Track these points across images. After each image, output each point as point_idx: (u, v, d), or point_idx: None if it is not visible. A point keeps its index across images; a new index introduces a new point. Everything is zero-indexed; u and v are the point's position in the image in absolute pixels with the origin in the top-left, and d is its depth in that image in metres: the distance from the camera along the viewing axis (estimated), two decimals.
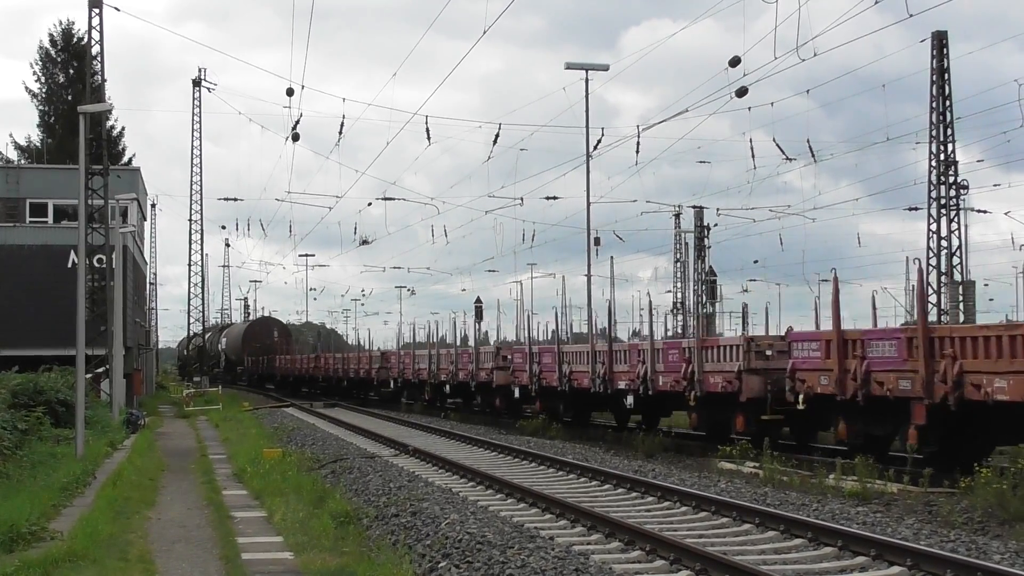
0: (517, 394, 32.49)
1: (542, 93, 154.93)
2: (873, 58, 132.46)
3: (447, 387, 38.55)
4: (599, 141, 39.93)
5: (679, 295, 73.69)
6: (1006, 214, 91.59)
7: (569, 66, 39.70)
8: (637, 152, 36.71)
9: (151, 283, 76.43)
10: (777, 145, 37.97)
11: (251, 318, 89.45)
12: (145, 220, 61.09)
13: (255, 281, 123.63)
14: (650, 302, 29.93)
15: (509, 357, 33.51)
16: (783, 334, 22.29)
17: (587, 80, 39.70)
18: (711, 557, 10.88)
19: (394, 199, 50.39)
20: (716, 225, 62.69)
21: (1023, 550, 11.76)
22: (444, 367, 38.32)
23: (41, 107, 60.58)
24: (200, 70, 67.17)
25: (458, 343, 47.63)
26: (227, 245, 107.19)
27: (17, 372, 27.29)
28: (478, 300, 72.08)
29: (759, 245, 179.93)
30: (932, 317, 42.12)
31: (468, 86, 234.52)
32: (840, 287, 20.67)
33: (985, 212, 57.85)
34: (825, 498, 15.97)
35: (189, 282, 71.61)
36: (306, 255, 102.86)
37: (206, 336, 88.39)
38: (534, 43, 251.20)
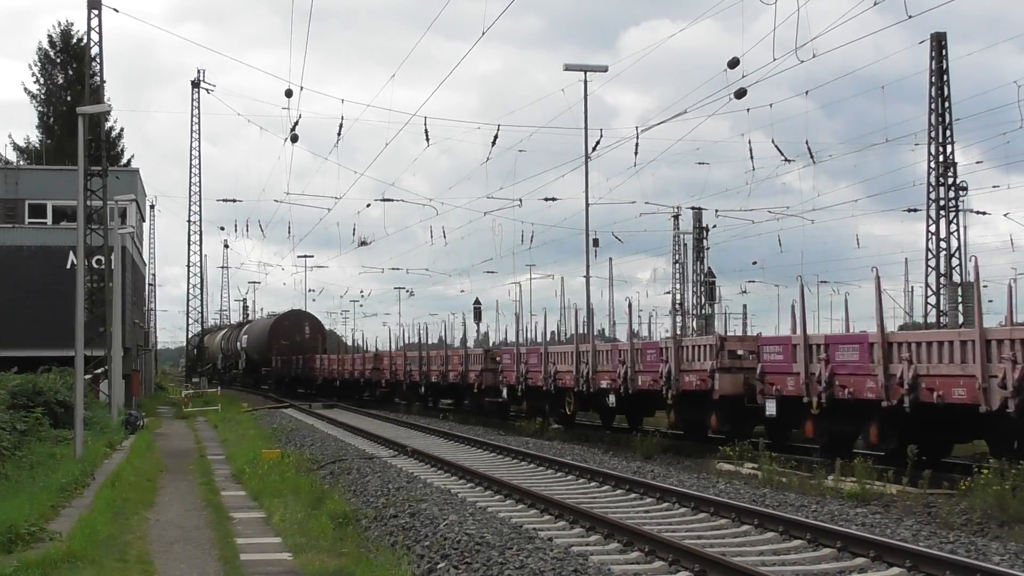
0: (772, 410, 21.32)
1: (541, 94, 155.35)
2: (872, 59, 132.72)
3: (610, 397, 27.63)
4: (598, 142, 39.94)
5: (678, 296, 73.75)
6: (1005, 215, 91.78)
7: (568, 67, 39.72)
8: (636, 153, 36.70)
9: (150, 284, 76.40)
10: (776, 146, 38.07)
11: (279, 312, 75.30)
12: (144, 221, 61.17)
13: (254, 282, 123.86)
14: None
15: (744, 352, 23.01)
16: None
17: (586, 81, 39.72)
18: (710, 558, 10.88)
19: (393, 200, 50.47)
20: (715, 226, 62.88)
21: (1022, 551, 11.76)
22: (606, 370, 27.50)
23: (40, 108, 60.65)
24: (199, 71, 67.38)
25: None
26: (226, 246, 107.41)
27: (16, 373, 27.29)
28: (477, 301, 72.07)
29: (758, 246, 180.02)
30: (931, 319, 42.22)
31: (467, 87, 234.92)
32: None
33: (984, 213, 58.08)
34: (824, 499, 15.97)
35: (188, 283, 71.78)
36: (305, 256, 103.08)
37: (223, 334, 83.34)
38: (533, 44, 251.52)
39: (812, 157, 37.50)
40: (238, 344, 75.60)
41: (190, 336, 79.91)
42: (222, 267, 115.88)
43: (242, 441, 27.36)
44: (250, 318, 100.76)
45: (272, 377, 66.56)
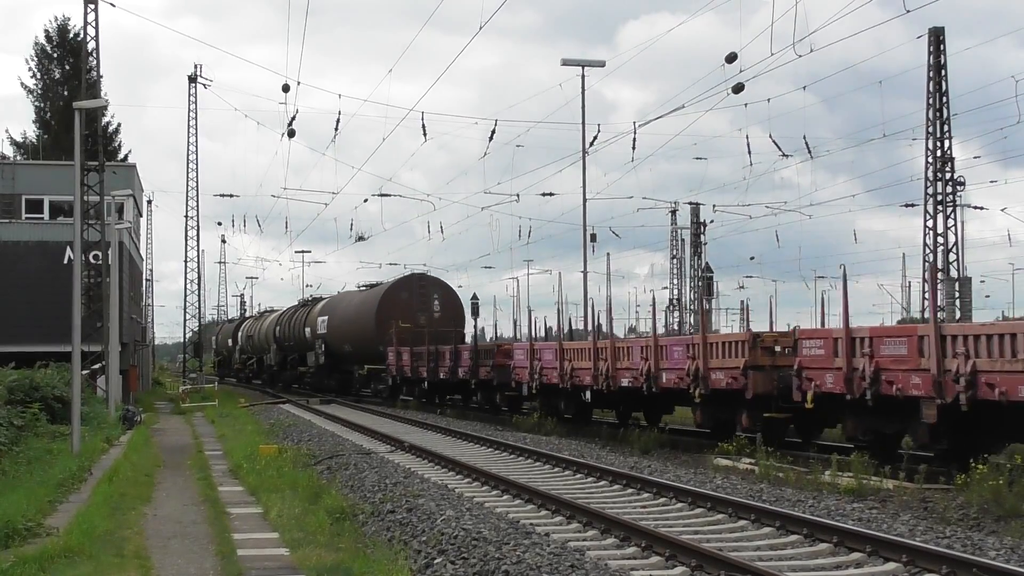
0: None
1: (539, 89, 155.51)
2: (871, 54, 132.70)
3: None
4: (596, 137, 40.12)
5: (675, 292, 73.79)
6: (1003, 210, 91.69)
7: (565, 62, 39.78)
8: (634, 148, 36.73)
9: (147, 279, 76.22)
10: (774, 141, 38.16)
11: (381, 281, 51.38)
12: (141, 216, 61.07)
13: (251, 277, 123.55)
14: None
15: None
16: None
17: (583, 76, 39.75)
18: (706, 553, 10.88)
19: (390, 195, 50.56)
20: (712, 221, 63.07)
21: (1019, 546, 11.76)
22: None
23: (37, 103, 60.59)
24: (196, 66, 67.02)
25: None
26: (223, 241, 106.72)
27: (13, 368, 27.28)
28: (474, 296, 71.87)
29: (755, 242, 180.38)
30: (928, 313, 42.20)
31: (464, 82, 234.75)
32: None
33: (982, 208, 58.05)
34: (821, 494, 15.97)
35: (185, 278, 71.46)
36: (302, 251, 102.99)
37: (275, 318, 63.80)
38: (531, 38, 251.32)
39: (810, 152, 37.60)
40: (307, 331, 52.69)
41: (225, 321, 74.44)
42: (220, 262, 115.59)
43: (239, 436, 27.34)
44: (252, 312, 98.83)
45: (383, 380, 43.44)
